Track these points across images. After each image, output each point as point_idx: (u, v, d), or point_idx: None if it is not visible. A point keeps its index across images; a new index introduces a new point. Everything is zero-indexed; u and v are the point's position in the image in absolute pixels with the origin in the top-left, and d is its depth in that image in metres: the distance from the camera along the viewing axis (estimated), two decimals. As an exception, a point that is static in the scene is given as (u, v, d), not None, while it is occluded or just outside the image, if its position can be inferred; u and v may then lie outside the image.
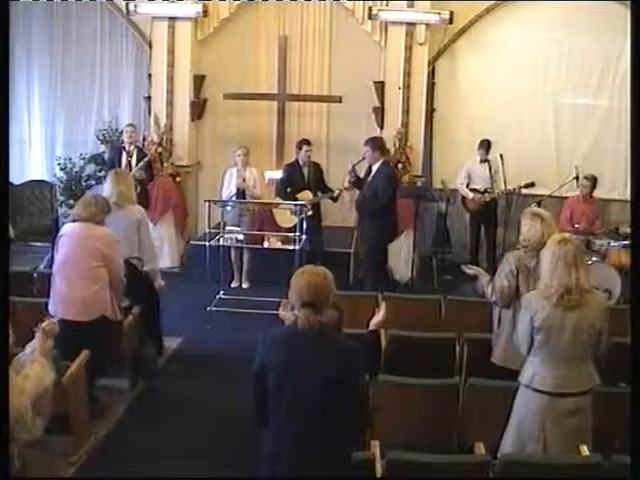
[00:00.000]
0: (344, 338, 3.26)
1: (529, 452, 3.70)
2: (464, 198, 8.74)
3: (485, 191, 8.49)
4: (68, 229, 5.14)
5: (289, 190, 7.94)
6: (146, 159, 8.08)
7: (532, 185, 8.25)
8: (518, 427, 3.85)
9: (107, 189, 5.76)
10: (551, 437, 3.74)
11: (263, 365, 3.06)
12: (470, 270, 4.93)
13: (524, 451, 3.73)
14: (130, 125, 8.39)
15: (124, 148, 8.16)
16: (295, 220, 7.50)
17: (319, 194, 7.98)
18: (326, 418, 2.99)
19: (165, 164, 8.77)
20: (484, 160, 8.49)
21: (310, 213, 7.79)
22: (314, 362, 2.98)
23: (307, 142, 8.08)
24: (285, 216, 7.86)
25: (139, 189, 7.12)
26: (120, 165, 7.95)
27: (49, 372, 3.49)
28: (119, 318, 5.22)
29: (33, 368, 3.43)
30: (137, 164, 8.03)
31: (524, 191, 8.34)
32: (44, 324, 3.67)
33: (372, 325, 3.87)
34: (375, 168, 7.30)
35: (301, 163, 8.06)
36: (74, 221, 5.13)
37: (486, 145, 8.48)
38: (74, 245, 5.02)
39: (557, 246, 3.73)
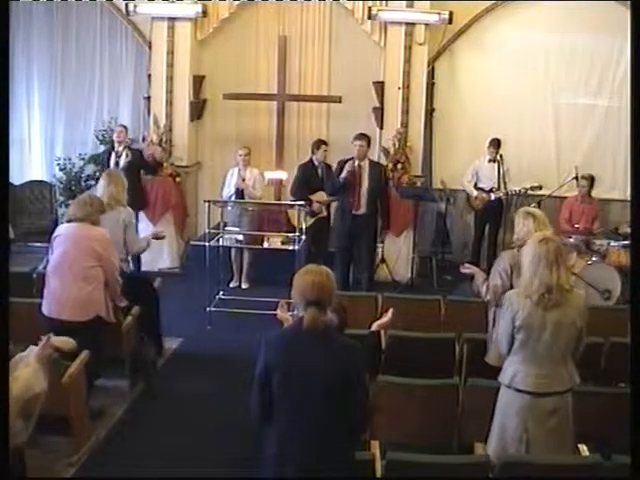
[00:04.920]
0: (346, 337, 3.27)
1: (512, 453, 3.68)
2: (469, 197, 8.73)
3: (490, 190, 8.49)
4: (63, 229, 5.11)
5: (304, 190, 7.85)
6: (128, 159, 8.00)
7: (540, 188, 8.21)
8: (501, 428, 3.83)
9: (99, 189, 5.78)
10: (533, 437, 3.72)
11: (267, 367, 3.05)
12: (467, 269, 4.94)
13: (507, 452, 3.71)
14: (120, 125, 8.46)
15: (113, 148, 8.20)
16: (311, 221, 7.47)
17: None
18: (329, 417, 2.99)
19: (165, 164, 8.77)
20: (493, 159, 8.44)
21: (325, 214, 7.78)
22: (318, 362, 2.98)
23: (324, 142, 8.15)
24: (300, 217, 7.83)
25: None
26: (109, 165, 8.00)
27: (40, 380, 3.37)
28: (113, 320, 5.17)
29: (24, 372, 3.34)
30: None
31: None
32: (60, 341, 3.57)
33: (375, 326, 3.87)
34: (367, 165, 7.25)
35: (316, 163, 8.07)
36: (69, 221, 5.10)
37: (496, 144, 8.42)
38: (70, 245, 4.99)
39: (538, 245, 3.71)
